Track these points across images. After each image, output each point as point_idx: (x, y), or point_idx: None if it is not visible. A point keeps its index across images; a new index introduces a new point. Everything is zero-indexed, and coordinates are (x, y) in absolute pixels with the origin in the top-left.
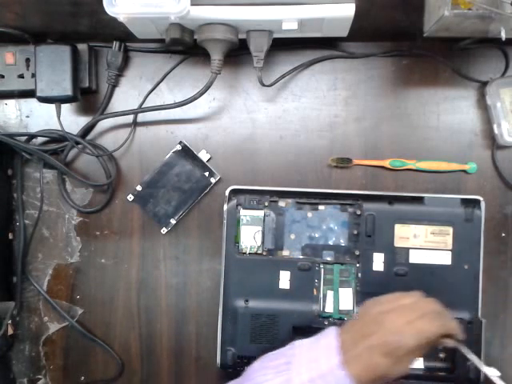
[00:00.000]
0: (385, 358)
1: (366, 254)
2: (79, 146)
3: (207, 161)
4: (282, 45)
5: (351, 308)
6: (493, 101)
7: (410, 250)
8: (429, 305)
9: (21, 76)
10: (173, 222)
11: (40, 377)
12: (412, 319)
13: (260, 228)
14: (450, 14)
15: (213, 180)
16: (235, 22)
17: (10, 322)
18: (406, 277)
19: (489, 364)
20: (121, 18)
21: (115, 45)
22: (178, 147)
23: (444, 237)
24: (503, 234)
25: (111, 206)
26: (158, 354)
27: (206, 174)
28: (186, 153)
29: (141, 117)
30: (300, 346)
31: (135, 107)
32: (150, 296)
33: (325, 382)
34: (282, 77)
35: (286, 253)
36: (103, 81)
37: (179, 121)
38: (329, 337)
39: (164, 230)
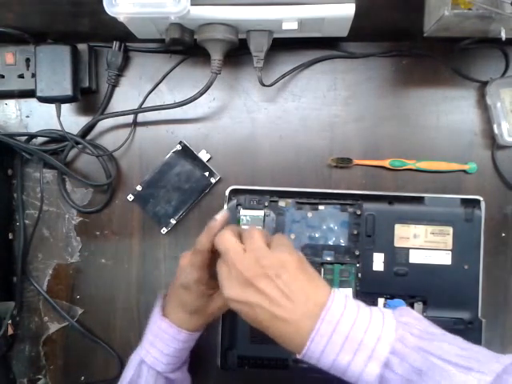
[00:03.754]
0: None
1: (365, 254)
2: (79, 146)
3: (207, 161)
4: (282, 45)
5: None
6: (493, 101)
7: (410, 250)
8: None
9: (21, 76)
10: (173, 221)
11: (40, 377)
12: None
13: (260, 228)
14: (450, 14)
15: (213, 180)
16: (235, 22)
17: (10, 321)
18: (406, 277)
19: None
20: (121, 18)
21: (115, 45)
22: (178, 147)
23: (444, 237)
24: (503, 234)
25: (111, 206)
26: None
27: (206, 174)
28: (186, 153)
29: (141, 117)
30: None
31: (135, 107)
32: (149, 296)
33: None
34: (282, 77)
35: None
36: (103, 81)
37: (179, 121)
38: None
39: (164, 230)
